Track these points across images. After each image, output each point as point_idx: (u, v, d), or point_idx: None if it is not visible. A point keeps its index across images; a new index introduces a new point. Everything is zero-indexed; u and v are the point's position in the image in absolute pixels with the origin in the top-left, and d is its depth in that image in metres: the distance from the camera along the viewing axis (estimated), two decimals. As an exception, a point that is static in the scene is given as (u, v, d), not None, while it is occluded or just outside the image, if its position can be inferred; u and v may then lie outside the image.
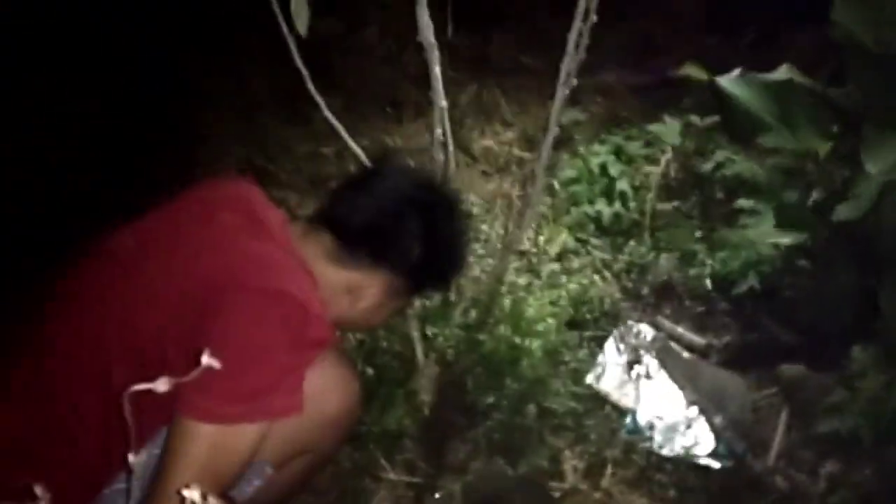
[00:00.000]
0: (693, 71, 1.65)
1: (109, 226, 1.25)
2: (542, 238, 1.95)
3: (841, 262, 1.58)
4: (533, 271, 1.87)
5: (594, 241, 1.98)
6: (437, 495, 1.55)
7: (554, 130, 1.52)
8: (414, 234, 1.25)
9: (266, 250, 1.16)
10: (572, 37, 1.41)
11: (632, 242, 1.97)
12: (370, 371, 1.67)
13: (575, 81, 1.46)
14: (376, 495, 1.57)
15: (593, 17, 1.40)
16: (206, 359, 0.89)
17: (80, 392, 1.11)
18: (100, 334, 1.12)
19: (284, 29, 1.30)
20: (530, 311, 1.73)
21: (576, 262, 1.93)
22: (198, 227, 1.20)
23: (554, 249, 1.93)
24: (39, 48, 2.23)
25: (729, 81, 1.60)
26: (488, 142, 2.23)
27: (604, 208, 2.00)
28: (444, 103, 1.45)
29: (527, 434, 1.62)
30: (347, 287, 1.24)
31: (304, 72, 1.40)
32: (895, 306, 1.43)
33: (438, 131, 1.47)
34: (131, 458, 0.86)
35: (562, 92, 1.47)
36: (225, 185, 1.33)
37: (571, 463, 1.60)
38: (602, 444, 1.62)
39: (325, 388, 1.19)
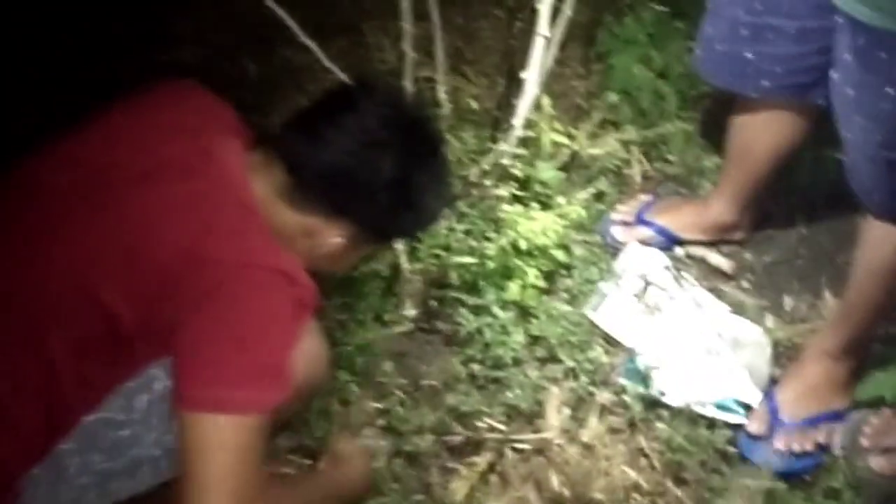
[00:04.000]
0: None
1: (32, 145, 1.08)
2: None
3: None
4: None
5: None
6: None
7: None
8: (384, 184, 1.05)
9: (227, 213, 1.03)
10: None
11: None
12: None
13: None
14: (342, 420, 1.44)
15: None
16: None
17: (10, 358, 0.99)
18: (33, 292, 1.00)
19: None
20: (527, 225, 1.50)
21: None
22: (141, 168, 1.04)
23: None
24: None
25: None
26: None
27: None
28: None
29: (510, 361, 1.46)
30: (304, 231, 1.08)
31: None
32: None
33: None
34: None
35: None
36: (170, 95, 1.13)
37: (555, 403, 1.45)
38: (594, 386, 1.46)
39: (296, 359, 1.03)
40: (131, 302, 0.98)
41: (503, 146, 1.42)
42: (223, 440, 0.95)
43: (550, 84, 1.81)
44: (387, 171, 1.04)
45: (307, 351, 1.09)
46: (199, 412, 0.95)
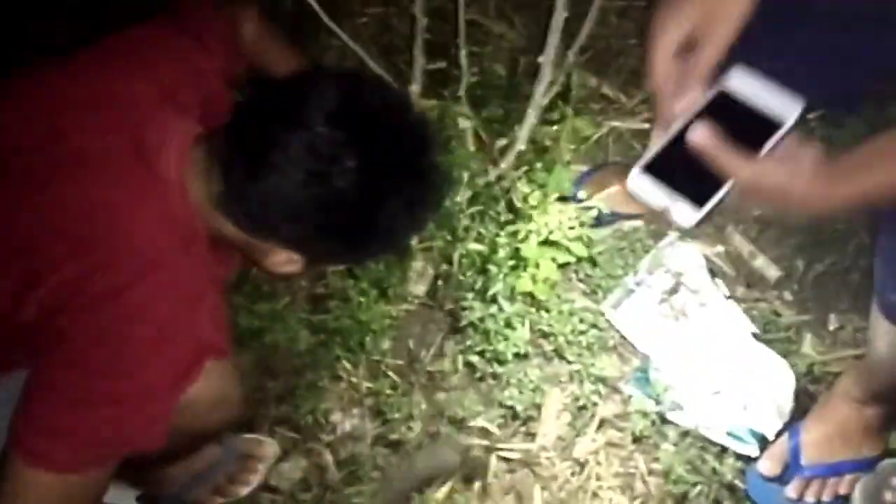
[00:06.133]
0: None
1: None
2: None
3: None
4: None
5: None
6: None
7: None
8: (339, 222, 0.87)
9: (137, 229, 0.86)
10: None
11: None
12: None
13: None
14: (330, 397, 1.38)
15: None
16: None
17: None
18: None
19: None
20: (543, 217, 1.37)
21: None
22: (54, 158, 0.89)
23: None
24: None
25: None
26: None
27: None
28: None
29: (510, 357, 1.36)
30: (248, 246, 0.93)
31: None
32: None
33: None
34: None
35: None
36: (136, 53, 0.98)
37: (554, 408, 1.35)
38: (598, 394, 1.35)
39: (200, 401, 0.93)
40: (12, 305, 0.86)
41: (520, 130, 1.27)
42: (42, 497, 0.85)
43: (607, 41, 1.63)
44: (344, 208, 0.85)
45: (212, 400, 0.97)
46: (24, 462, 0.85)
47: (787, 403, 1.30)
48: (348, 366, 1.40)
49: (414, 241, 1.41)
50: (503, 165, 1.34)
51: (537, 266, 1.36)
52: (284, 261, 0.93)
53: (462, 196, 1.35)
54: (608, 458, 1.30)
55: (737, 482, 1.28)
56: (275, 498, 1.30)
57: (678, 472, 1.27)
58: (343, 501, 1.29)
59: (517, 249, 1.37)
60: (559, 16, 1.04)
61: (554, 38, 1.08)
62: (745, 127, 0.68)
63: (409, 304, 1.44)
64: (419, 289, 1.44)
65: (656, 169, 0.67)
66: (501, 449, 1.30)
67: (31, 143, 0.89)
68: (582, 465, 1.29)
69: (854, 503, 1.23)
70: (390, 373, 1.39)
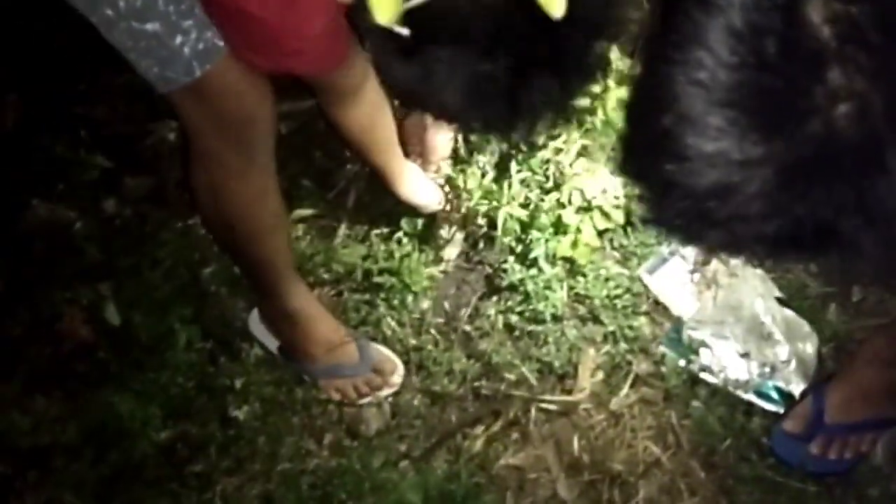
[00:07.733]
0: None
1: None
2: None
3: None
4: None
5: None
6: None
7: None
8: None
9: None
10: None
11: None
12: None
13: None
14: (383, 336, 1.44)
15: None
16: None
17: None
18: None
19: None
20: (588, 181, 1.44)
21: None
22: None
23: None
24: None
25: None
26: None
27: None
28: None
29: (549, 318, 1.42)
30: None
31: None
32: None
33: None
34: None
35: None
36: None
37: (590, 366, 1.42)
38: (632, 354, 1.42)
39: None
40: None
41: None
42: None
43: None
44: None
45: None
46: None
47: (812, 364, 1.37)
48: (393, 323, 1.46)
49: (458, 203, 1.48)
50: (553, 130, 1.40)
51: (579, 231, 1.43)
52: None
53: (512, 161, 1.42)
54: (642, 413, 1.36)
55: (763, 439, 1.34)
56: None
57: (708, 427, 1.33)
58: (387, 447, 1.35)
59: (559, 216, 1.44)
60: None
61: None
62: None
63: (449, 266, 1.51)
64: (451, 252, 1.51)
65: None
66: (541, 400, 1.36)
67: None
68: (617, 418, 1.35)
69: (876, 460, 1.30)
70: (432, 330, 1.46)
